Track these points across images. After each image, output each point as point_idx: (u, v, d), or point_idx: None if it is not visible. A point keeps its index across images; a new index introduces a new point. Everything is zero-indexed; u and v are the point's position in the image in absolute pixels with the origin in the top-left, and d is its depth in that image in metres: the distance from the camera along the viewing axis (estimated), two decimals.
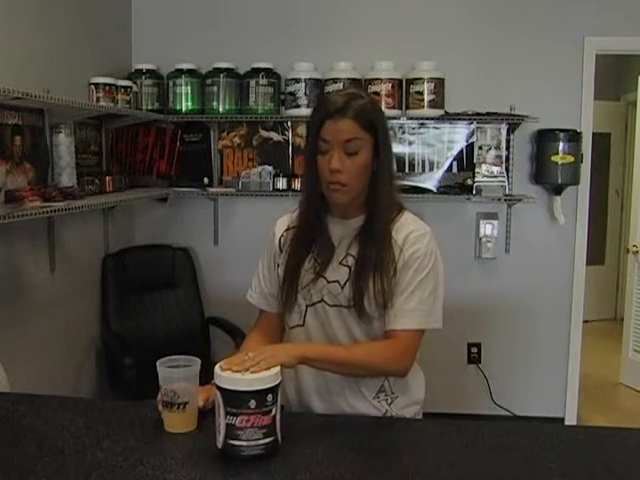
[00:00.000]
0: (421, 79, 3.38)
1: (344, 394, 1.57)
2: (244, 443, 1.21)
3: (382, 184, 1.53)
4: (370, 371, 1.54)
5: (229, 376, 1.23)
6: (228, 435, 1.21)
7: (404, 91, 3.44)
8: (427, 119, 3.53)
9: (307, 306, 1.58)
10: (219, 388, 1.23)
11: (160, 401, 1.37)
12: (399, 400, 1.59)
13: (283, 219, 1.69)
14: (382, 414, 1.58)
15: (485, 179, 3.50)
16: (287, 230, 1.65)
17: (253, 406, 1.20)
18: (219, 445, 1.24)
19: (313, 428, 1.30)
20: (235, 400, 1.20)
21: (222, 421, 1.22)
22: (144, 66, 3.53)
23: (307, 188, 1.58)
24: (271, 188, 3.54)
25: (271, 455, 1.23)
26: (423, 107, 3.39)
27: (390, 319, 1.52)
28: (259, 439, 1.21)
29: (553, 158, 3.43)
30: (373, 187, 1.53)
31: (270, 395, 1.22)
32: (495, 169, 3.52)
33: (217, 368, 1.26)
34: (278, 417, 1.25)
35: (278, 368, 1.28)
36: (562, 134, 3.44)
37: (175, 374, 1.35)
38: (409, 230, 1.54)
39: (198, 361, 1.37)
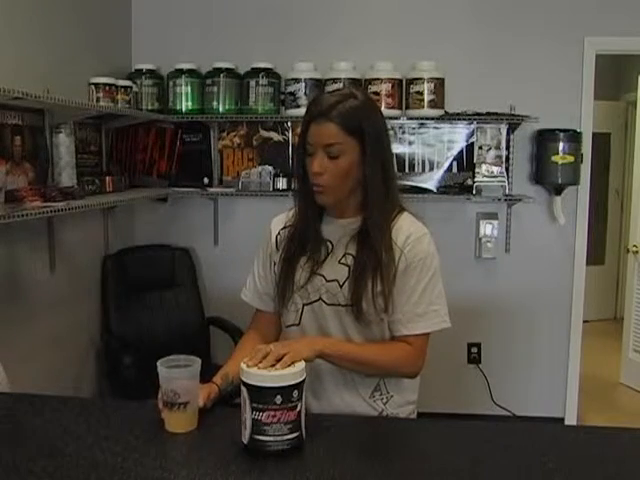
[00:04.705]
0: (421, 79, 3.38)
1: (340, 393, 1.58)
2: (270, 438, 1.22)
3: (372, 188, 1.51)
4: (385, 372, 1.56)
5: (255, 372, 1.25)
6: (254, 430, 1.23)
7: (404, 91, 3.44)
8: (427, 119, 3.53)
9: (304, 305, 1.58)
10: (245, 384, 1.24)
11: (160, 400, 1.37)
12: (394, 399, 1.60)
13: (279, 217, 1.70)
14: (378, 413, 1.58)
15: (485, 179, 3.50)
16: (283, 228, 1.65)
17: (279, 402, 1.22)
18: (245, 441, 1.24)
19: (312, 428, 1.30)
20: (261, 396, 1.22)
21: (248, 417, 1.23)
22: (144, 66, 3.53)
23: (300, 188, 1.58)
24: (271, 188, 3.55)
25: (296, 450, 1.24)
26: (423, 107, 3.39)
27: (402, 325, 1.53)
28: (285, 434, 1.23)
29: (553, 158, 3.44)
30: (364, 191, 1.53)
31: (296, 391, 1.24)
32: (495, 169, 3.52)
33: (243, 365, 1.28)
34: (303, 413, 1.26)
35: (303, 364, 1.30)
36: (562, 134, 3.44)
37: (175, 374, 1.35)
38: (408, 232, 1.53)
39: (198, 361, 1.37)
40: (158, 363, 1.36)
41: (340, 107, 1.46)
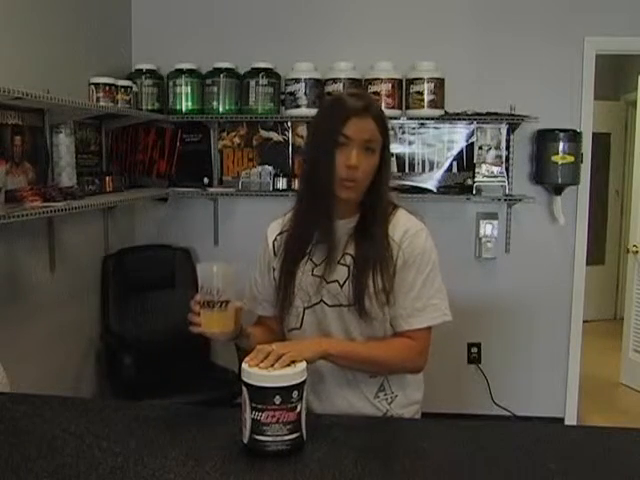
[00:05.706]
0: (421, 79, 3.38)
1: (344, 394, 1.57)
2: (269, 439, 1.22)
3: (384, 185, 1.54)
4: (389, 368, 1.56)
5: (255, 372, 1.25)
6: (254, 430, 1.23)
7: (404, 91, 3.44)
8: (427, 119, 3.53)
9: (305, 308, 1.57)
10: (245, 384, 1.25)
11: (199, 302, 1.39)
12: (399, 399, 1.59)
13: (275, 224, 1.69)
14: (382, 414, 1.58)
15: (485, 179, 3.50)
16: (280, 234, 1.64)
17: (278, 402, 1.21)
18: (245, 440, 1.25)
19: (314, 428, 1.30)
20: (261, 396, 1.22)
21: (248, 417, 1.23)
22: (144, 66, 3.53)
23: (320, 185, 1.51)
24: (271, 188, 3.55)
25: (296, 451, 1.24)
26: (423, 107, 3.39)
27: (402, 320, 1.53)
28: (284, 435, 1.23)
29: (553, 158, 3.44)
30: (375, 188, 1.53)
31: (296, 391, 1.23)
32: (495, 169, 3.52)
33: (244, 364, 1.28)
34: (304, 413, 1.26)
35: (304, 364, 1.29)
36: (562, 134, 3.44)
37: (215, 272, 1.37)
38: (405, 228, 1.54)
39: (234, 265, 1.40)
40: (198, 265, 1.40)
41: (374, 106, 1.52)
